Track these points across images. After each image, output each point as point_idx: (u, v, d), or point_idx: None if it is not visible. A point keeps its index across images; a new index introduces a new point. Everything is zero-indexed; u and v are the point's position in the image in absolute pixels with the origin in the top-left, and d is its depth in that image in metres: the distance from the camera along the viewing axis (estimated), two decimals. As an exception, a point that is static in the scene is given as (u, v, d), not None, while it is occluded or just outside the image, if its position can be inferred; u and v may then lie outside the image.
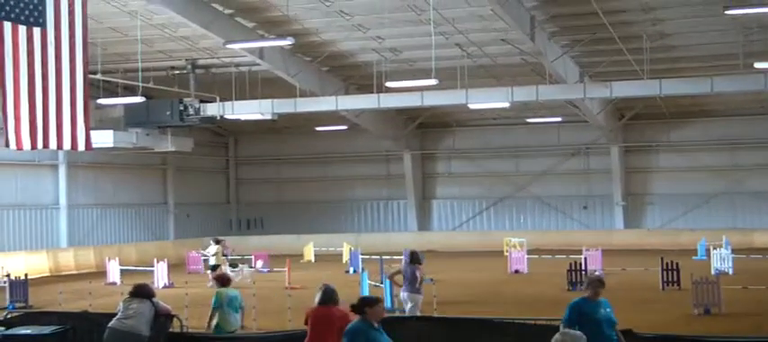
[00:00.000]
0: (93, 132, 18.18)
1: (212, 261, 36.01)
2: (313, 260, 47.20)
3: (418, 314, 20.36)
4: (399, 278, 21.45)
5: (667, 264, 30.95)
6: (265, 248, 46.11)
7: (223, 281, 17.92)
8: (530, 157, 59.36)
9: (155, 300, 15.57)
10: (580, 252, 36.62)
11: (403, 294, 21.17)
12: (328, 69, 46.41)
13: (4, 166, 44.78)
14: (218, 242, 36.94)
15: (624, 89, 41.60)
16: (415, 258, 21.32)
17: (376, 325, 11.76)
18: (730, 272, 34.87)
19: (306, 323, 13.07)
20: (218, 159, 64.90)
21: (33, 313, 19.03)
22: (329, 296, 13.04)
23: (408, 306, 20.98)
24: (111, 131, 44.92)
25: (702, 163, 55.38)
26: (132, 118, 46.49)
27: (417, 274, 20.99)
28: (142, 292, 15.59)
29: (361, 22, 38.69)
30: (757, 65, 36.79)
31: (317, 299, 13.06)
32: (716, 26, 38.04)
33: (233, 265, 36.91)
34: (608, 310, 13.18)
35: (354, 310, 11.85)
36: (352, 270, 39.52)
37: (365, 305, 11.84)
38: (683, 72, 43.12)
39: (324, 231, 56.40)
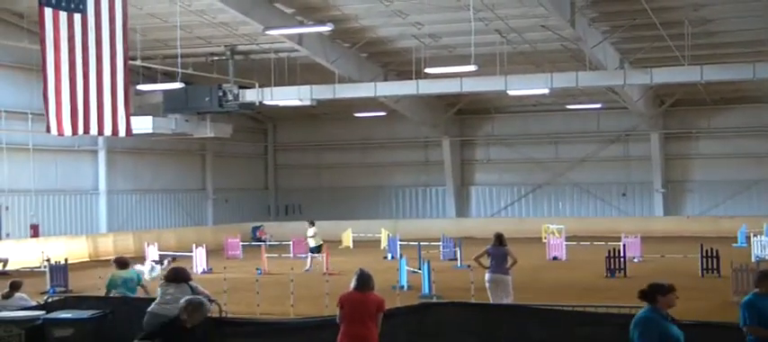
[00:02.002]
0: (132, 118, 18.27)
1: (312, 243, 36.16)
2: (351, 246, 47.28)
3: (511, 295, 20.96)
4: (485, 260, 21.51)
5: (707, 251, 30.76)
6: (303, 234, 46.13)
7: (120, 263, 18.55)
8: (569, 143, 59.16)
9: (192, 283, 15.65)
10: (619, 239, 36.52)
11: (490, 275, 21.16)
12: (367, 55, 46.40)
13: (45, 152, 45.10)
14: (313, 224, 37.00)
15: (665, 76, 41.26)
16: (504, 240, 21.48)
17: (666, 314, 10.74)
18: (771, 259, 34.60)
19: (339, 307, 13.02)
20: (257, 145, 65.10)
21: (73, 297, 19.15)
22: (365, 282, 12.97)
23: (499, 289, 21.02)
24: (150, 117, 45.19)
25: (743, 150, 54.92)
26: (171, 104, 46.71)
27: (509, 257, 21.24)
28: (178, 277, 15.66)
29: (400, 8, 38.64)
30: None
31: (352, 284, 13.00)
32: (758, 11, 37.70)
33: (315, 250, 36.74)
34: None
35: (644, 298, 10.84)
36: (390, 256, 39.55)
37: (657, 292, 10.83)
38: (725, 58, 42.77)
39: (362, 217, 56.46)
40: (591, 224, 53.47)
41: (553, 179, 59.47)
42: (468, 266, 27.76)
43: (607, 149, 58.26)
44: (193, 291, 15.42)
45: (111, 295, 17.93)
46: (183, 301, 12.06)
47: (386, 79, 47.15)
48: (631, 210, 57.93)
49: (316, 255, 36.09)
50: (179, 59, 39.96)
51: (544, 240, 42.45)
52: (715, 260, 30.46)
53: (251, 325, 16.54)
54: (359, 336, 12.62)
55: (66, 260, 31.83)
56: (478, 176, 61.94)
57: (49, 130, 16.63)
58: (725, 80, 43.92)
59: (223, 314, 16.34)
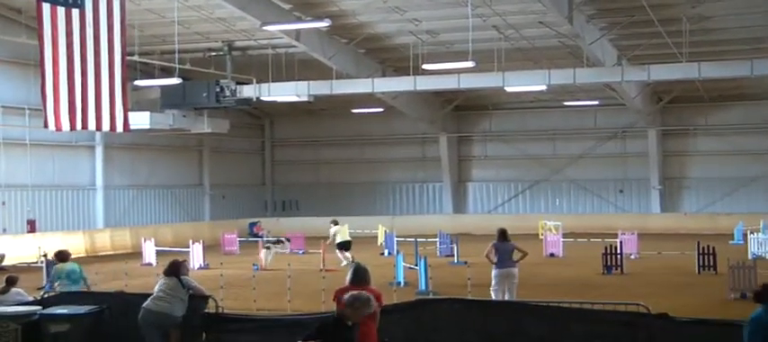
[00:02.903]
0: (129, 114, 18.27)
1: (338, 239, 36.13)
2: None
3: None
4: (493, 256, 21.94)
5: (704, 248, 30.80)
6: (300, 230, 46.19)
7: (60, 256, 19.08)
8: (566, 140, 59.17)
9: (183, 278, 15.60)
10: (616, 236, 36.54)
11: (498, 270, 21.66)
12: (365, 51, 46.37)
13: (42, 147, 45.08)
14: (336, 223, 37.20)
15: (662, 72, 41.26)
16: (507, 236, 22.10)
17: None
18: (767, 256, 34.61)
19: (335, 301, 12.97)
20: (254, 141, 65.08)
21: (69, 293, 19.16)
22: (361, 276, 12.94)
23: (507, 282, 21.62)
24: (147, 113, 45.17)
25: (740, 146, 54.91)
26: (169, 99, 46.68)
27: (517, 251, 21.95)
28: (171, 270, 15.65)
29: (398, 5, 38.61)
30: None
31: (348, 278, 12.97)
32: (756, 8, 37.69)
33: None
34: None
35: (758, 299, 10.66)
36: (387, 252, 39.55)
37: None
38: (723, 55, 42.75)
39: (359, 213, 56.36)
40: (588, 221, 53.49)
41: (550, 176, 59.48)
42: (466, 263, 27.80)
43: (604, 146, 58.28)
44: (184, 285, 15.40)
45: (58, 288, 18.31)
46: (348, 296, 11.63)
47: (383, 75, 47.12)
48: (628, 206, 57.96)
49: (346, 251, 35.79)
50: (176, 55, 39.93)
51: (541, 237, 42.43)
52: (712, 257, 30.51)
53: (247, 321, 16.54)
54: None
55: (62, 255, 31.76)
56: (476, 173, 61.95)
57: (46, 125, 16.64)
58: (723, 77, 43.90)
59: (219, 310, 16.33)
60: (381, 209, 60.97)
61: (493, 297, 21.34)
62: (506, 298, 21.31)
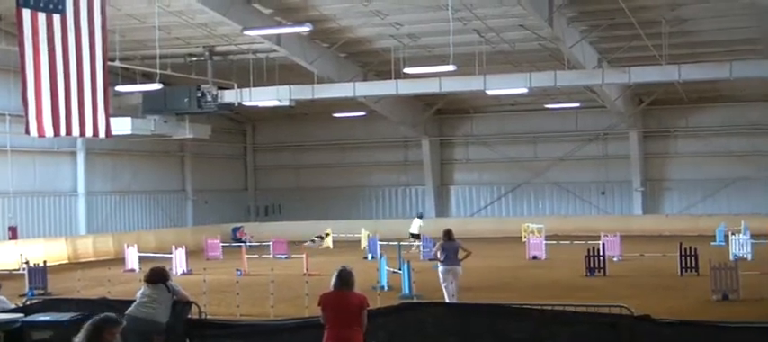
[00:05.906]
0: (111, 119, 18.19)
1: (416, 230, 42.86)
2: (331, 246, 47.24)
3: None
4: (439, 254, 22.92)
5: (686, 249, 30.86)
6: (283, 235, 46.14)
7: None
8: (548, 142, 59.30)
9: (170, 283, 15.52)
10: (598, 238, 36.61)
11: (445, 267, 22.56)
12: (346, 56, 46.40)
13: (23, 154, 44.89)
14: (420, 216, 45.45)
15: (643, 75, 41.34)
16: (452, 236, 22.91)
17: None
18: (749, 257, 34.75)
19: (320, 306, 12.93)
20: (236, 146, 65.02)
21: (52, 300, 19.11)
22: (345, 280, 12.90)
23: (451, 277, 22.51)
24: (129, 119, 45.08)
25: (721, 148, 55.15)
26: (150, 105, 46.61)
27: (461, 250, 22.74)
28: (156, 277, 15.57)
29: (378, 8, 38.66)
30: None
31: (333, 282, 12.93)
32: (735, 11, 37.87)
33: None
34: None
35: None
36: (370, 256, 39.54)
37: None
38: (702, 57, 42.94)
39: (342, 218, 56.45)
40: (570, 223, 53.64)
41: (532, 178, 59.60)
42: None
43: (586, 148, 58.44)
44: (170, 291, 15.33)
45: None
46: None
47: (365, 79, 47.15)
48: (611, 208, 58.11)
49: (415, 241, 42.42)
50: (158, 60, 39.84)
51: (524, 240, 42.50)
52: (693, 259, 30.56)
53: (231, 326, 16.52)
54: (343, 338, 12.56)
55: (44, 262, 31.68)
56: (458, 176, 62.02)
57: (28, 131, 16.52)
58: (702, 79, 44.06)
59: (203, 316, 16.30)
60: (364, 213, 60.99)
61: (445, 292, 22.44)
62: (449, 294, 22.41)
